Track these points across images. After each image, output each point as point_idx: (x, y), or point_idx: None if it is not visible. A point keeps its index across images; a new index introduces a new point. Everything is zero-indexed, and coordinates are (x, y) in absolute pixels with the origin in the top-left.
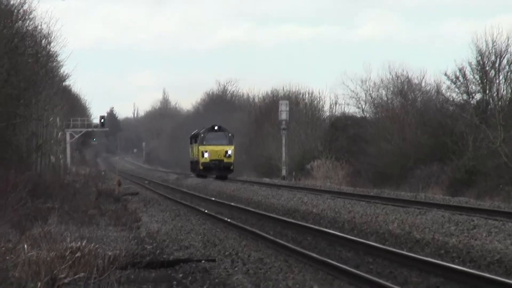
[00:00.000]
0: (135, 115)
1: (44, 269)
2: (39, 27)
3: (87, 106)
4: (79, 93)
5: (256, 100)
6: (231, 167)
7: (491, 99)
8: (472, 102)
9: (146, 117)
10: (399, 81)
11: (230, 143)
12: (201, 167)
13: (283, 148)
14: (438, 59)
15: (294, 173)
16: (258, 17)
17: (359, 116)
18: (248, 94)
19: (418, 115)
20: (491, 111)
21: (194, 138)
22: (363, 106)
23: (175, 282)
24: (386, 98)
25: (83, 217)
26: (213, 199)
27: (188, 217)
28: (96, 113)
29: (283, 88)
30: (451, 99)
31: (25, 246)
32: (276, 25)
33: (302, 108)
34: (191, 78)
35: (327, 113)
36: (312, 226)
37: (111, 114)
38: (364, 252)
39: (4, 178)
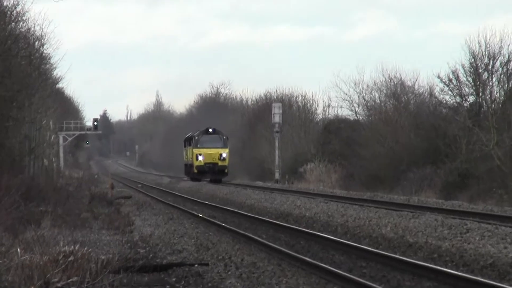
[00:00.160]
0: (128, 117)
1: (37, 273)
2: (32, 29)
3: (80, 109)
4: (72, 96)
5: (249, 102)
6: (226, 171)
7: (484, 101)
8: (465, 104)
9: (139, 119)
10: (392, 83)
11: (224, 146)
12: (195, 171)
13: (276, 151)
14: (431, 61)
15: (287, 177)
16: (251, 18)
17: (352, 118)
18: (241, 97)
19: (411, 117)
20: (484, 114)
21: (188, 141)
22: (356, 109)
23: (168, 286)
24: (379, 101)
25: (76, 220)
26: (207, 202)
27: (181, 220)
28: (89, 115)
29: (276, 91)
30: (444, 101)
31: (18, 250)
32: (270, 26)
33: (295, 111)
34: (184, 79)
35: (320, 116)
36: (305, 229)
37: (104, 117)
38: (357, 256)
39: None
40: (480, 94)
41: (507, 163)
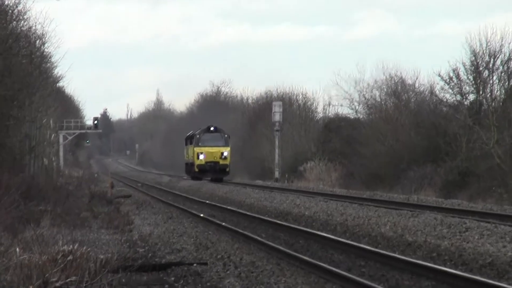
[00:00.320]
0: (129, 116)
1: (36, 273)
2: (34, 27)
3: (81, 108)
4: (72, 95)
5: (250, 101)
6: (227, 169)
7: (484, 100)
8: (465, 103)
9: (140, 118)
10: (393, 82)
11: (226, 145)
12: (196, 169)
13: (276, 150)
14: (432, 59)
15: (287, 175)
16: (252, 17)
17: (352, 117)
18: (241, 95)
19: (412, 116)
20: (484, 112)
21: (189, 139)
22: (357, 107)
23: (167, 286)
24: (379, 99)
25: (75, 219)
26: (207, 202)
27: (181, 219)
28: (90, 114)
29: (277, 89)
30: (445, 100)
31: (17, 249)
32: (270, 25)
33: (296, 109)
34: (185, 78)
35: (321, 114)
36: (304, 228)
37: (105, 116)
38: (356, 255)
39: None
40: (481, 92)
41: (507, 161)
